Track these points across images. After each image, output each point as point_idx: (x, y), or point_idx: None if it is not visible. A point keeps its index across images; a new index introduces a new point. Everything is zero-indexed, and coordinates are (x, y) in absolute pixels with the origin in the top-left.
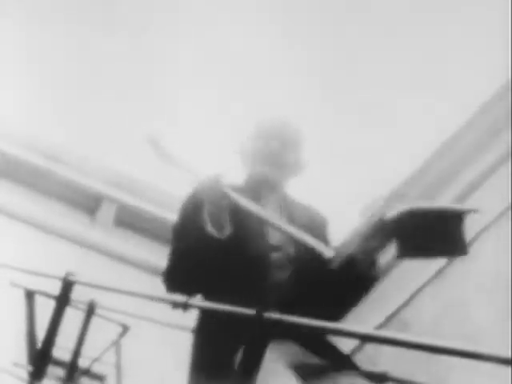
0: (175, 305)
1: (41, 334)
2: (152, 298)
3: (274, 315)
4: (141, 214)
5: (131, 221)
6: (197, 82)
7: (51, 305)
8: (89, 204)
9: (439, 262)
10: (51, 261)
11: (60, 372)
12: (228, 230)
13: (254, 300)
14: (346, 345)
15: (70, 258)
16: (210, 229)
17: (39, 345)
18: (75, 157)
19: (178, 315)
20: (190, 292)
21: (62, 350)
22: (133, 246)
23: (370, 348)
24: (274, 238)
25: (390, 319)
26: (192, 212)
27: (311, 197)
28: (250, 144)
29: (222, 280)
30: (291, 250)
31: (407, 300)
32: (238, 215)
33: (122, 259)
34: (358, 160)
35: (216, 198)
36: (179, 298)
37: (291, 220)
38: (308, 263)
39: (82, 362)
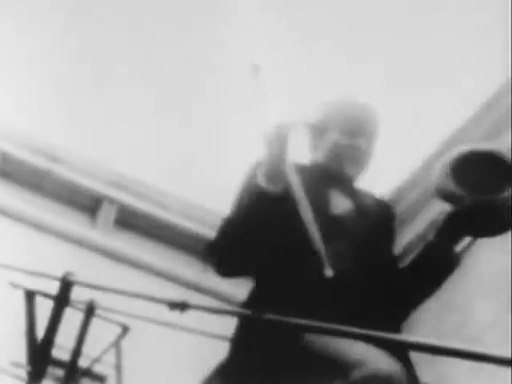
0: (173, 306)
1: (40, 334)
2: (151, 299)
3: (273, 316)
4: (141, 214)
5: (132, 222)
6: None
7: (51, 305)
8: (89, 205)
9: None
10: (51, 261)
11: (60, 372)
12: (282, 187)
13: (312, 289)
14: None
15: (70, 259)
16: (264, 184)
17: (39, 345)
18: (75, 157)
19: (178, 316)
20: (239, 267)
21: (63, 350)
22: (133, 246)
23: None
24: (337, 211)
25: None
26: (250, 183)
27: None
28: (330, 134)
29: (276, 258)
30: (360, 232)
31: None
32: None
33: (122, 260)
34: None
35: (279, 147)
36: (177, 298)
37: (362, 212)
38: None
39: (83, 363)
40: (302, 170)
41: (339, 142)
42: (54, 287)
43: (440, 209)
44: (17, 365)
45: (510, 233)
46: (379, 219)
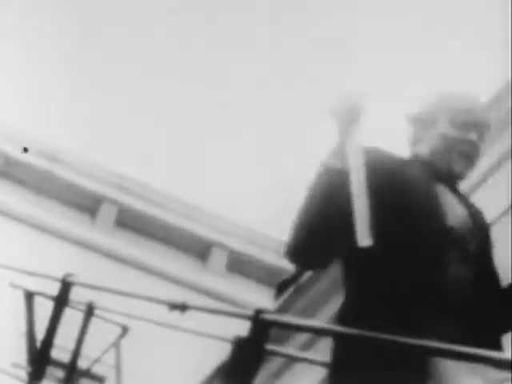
0: (173, 306)
1: (40, 334)
2: (151, 300)
3: (271, 315)
4: (141, 215)
5: (132, 222)
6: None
7: (51, 306)
8: (89, 205)
9: None
10: (51, 262)
11: (60, 373)
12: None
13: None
14: None
15: (70, 259)
16: (327, 160)
17: (38, 345)
18: (76, 158)
19: (178, 316)
20: (324, 255)
21: (62, 351)
22: (133, 247)
23: None
24: (453, 219)
25: None
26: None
27: None
28: (438, 126)
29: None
30: (474, 242)
31: None
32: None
33: (122, 260)
34: None
35: (348, 119)
36: (177, 299)
37: (472, 216)
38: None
39: (82, 363)
40: (401, 165)
41: (450, 134)
42: (53, 288)
43: None
44: (17, 366)
45: (509, 230)
46: (485, 226)
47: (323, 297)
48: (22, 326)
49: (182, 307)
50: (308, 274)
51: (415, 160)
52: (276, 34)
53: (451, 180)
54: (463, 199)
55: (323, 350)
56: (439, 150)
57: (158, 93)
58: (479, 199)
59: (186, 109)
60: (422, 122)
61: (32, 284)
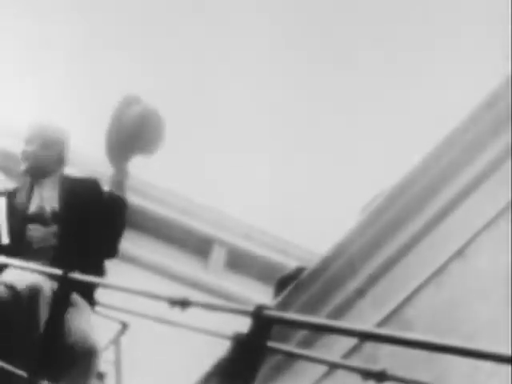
0: (173, 303)
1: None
2: (151, 296)
3: (273, 312)
4: (141, 212)
5: (131, 219)
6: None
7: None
8: None
9: (440, 260)
10: None
11: None
12: None
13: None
14: (345, 342)
15: None
16: None
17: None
18: (76, 154)
19: (178, 313)
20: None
21: None
22: (132, 243)
23: (369, 346)
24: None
25: (389, 318)
26: None
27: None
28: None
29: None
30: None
31: (407, 298)
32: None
33: (121, 257)
34: (357, 160)
35: None
36: (177, 296)
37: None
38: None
39: None
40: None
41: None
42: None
43: None
44: None
45: (510, 231)
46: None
47: (323, 294)
48: None
49: (183, 304)
50: (308, 271)
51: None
52: None
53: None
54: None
55: (324, 347)
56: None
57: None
58: (479, 197)
59: (186, 105)
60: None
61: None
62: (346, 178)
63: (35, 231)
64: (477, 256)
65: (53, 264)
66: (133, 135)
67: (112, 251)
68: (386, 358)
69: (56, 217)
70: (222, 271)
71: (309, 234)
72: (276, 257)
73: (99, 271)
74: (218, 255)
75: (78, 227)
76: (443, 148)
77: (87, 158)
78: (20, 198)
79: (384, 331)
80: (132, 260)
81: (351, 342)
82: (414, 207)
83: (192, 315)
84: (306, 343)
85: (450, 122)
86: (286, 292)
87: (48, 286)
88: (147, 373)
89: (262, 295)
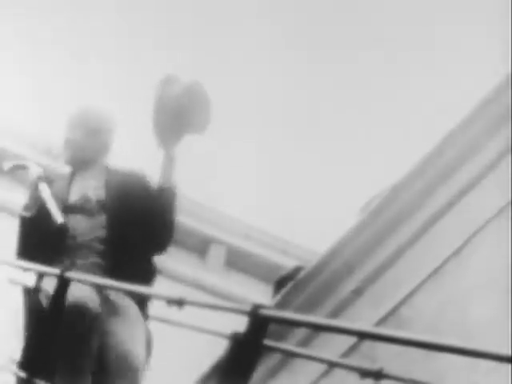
0: (171, 302)
1: None
2: (148, 295)
3: (270, 311)
4: None
5: None
6: None
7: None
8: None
9: (438, 259)
10: None
11: None
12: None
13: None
14: (343, 342)
15: None
16: (24, 213)
17: None
18: None
19: (175, 311)
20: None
21: None
22: None
23: (366, 345)
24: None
25: (386, 317)
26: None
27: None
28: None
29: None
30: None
31: (405, 297)
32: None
33: None
34: (356, 160)
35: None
36: (175, 295)
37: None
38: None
39: None
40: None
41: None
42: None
43: None
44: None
45: (509, 227)
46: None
47: (321, 293)
48: (21, 322)
49: (180, 303)
50: (306, 271)
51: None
52: None
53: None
54: (98, 176)
55: (321, 346)
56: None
57: None
58: (479, 195)
59: None
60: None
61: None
62: (345, 179)
63: (79, 222)
64: (474, 256)
65: (103, 258)
66: (180, 112)
67: (162, 245)
68: (384, 357)
69: (103, 207)
70: (221, 270)
71: (308, 234)
72: (275, 256)
73: (149, 267)
74: (217, 254)
75: (128, 219)
76: (441, 148)
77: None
78: (58, 187)
79: (382, 330)
80: None
81: (349, 341)
82: (411, 207)
83: (192, 315)
84: (304, 342)
85: (447, 123)
86: (284, 291)
87: (95, 301)
88: (146, 372)
89: (261, 294)
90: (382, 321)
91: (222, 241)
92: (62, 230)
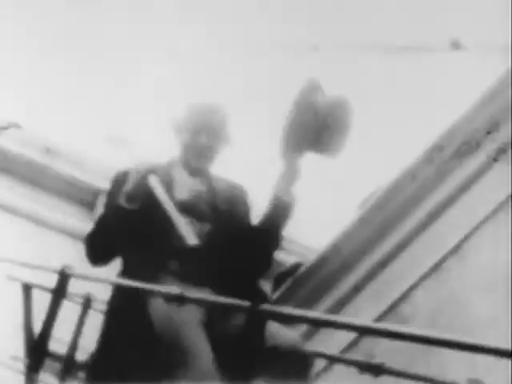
0: (170, 298)
1: (38, 327)
2: (148, 292)
3: (269, 307)
4: None
5: None
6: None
7: (48, 298)
8: (87, 198)
9: (437, 255)
10: (49, 255)
11: (57, 365)
12: (140, 203)
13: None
14: (343, 337)
15: (68, 253)
16: (125, 204)
17: (36, 338)
18: (73, 151)
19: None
20: (104, 255)
21: (60, 343)
22: None
23: (367, 341)
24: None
25: (387, 313)
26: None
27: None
28: (182, 135)
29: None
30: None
31: (405, 293)
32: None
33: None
34: (354, 157)
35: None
36: (175, 291)
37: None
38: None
39: (80, 356)
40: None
41: (184, 140)
42: (51, 280)
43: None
44: (15, 359)
45: (510, 225)
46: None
47: (320, 289)
48: (20, 319)
49: (179, 299)
50: (306, 267)
51: (177, 161)
52: None
53: (195, 171)
54: (205, 181)
55: (321, 342)
56: (182, 152)
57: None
58: (479, 191)
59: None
60: (176, 131)
61: (29, 276)
62: (344, 175)
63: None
64: (475, 252)
65: (207, 269)
66: (319, 127)
67: (255, 275)
68: (384, 352)
69: (213, 212)
70: None
71: (307, 230)
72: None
73: (256, 288)
74: None
75: (229, 234)
76: (440, 144)
77: (76, 152)
78: (160, 180)
79: (382, 325)
80: None
81: (348, 337)
82: (411, 203)
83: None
84: (304, 338)
85: (444, 121)
86: (283, 287)
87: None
88: None
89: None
90: (381, 318)
91: None
92: (193, 251)
